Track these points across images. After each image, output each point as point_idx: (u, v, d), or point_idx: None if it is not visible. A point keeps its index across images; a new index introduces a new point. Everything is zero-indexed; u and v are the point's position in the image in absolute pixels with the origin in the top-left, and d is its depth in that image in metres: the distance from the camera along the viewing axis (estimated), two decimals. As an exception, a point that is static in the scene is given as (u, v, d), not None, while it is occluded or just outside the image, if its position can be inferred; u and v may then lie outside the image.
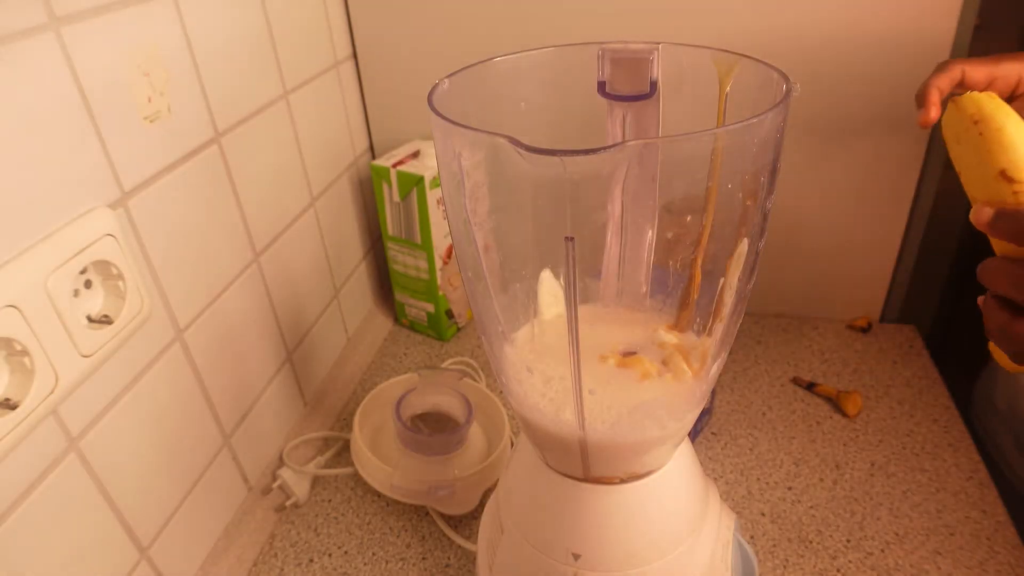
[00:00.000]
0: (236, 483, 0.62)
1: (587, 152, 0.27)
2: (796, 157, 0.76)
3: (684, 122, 0.39)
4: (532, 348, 0.42)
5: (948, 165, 0.75)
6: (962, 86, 0.55)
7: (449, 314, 0.86)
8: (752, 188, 0.35)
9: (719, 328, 0.38)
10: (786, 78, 0.33)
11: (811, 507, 0.62)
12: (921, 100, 0.53)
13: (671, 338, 0.41)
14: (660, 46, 0.37)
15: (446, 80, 0.36)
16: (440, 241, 0.80)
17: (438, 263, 0.81)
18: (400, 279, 0.86)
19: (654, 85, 0.37)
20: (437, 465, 0.62)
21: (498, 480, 0.48)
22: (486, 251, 0.37)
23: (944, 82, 0.53)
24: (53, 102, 0.41)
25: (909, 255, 0.81)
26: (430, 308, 0.85)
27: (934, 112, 0.52)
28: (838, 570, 0.57)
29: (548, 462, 0.40)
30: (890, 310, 0.85)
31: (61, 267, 0.40)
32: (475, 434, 0.68)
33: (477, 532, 0.55)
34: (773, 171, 0.34)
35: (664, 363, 0.39)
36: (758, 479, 0.65)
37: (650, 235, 0.40)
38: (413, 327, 0.89)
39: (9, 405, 0.37)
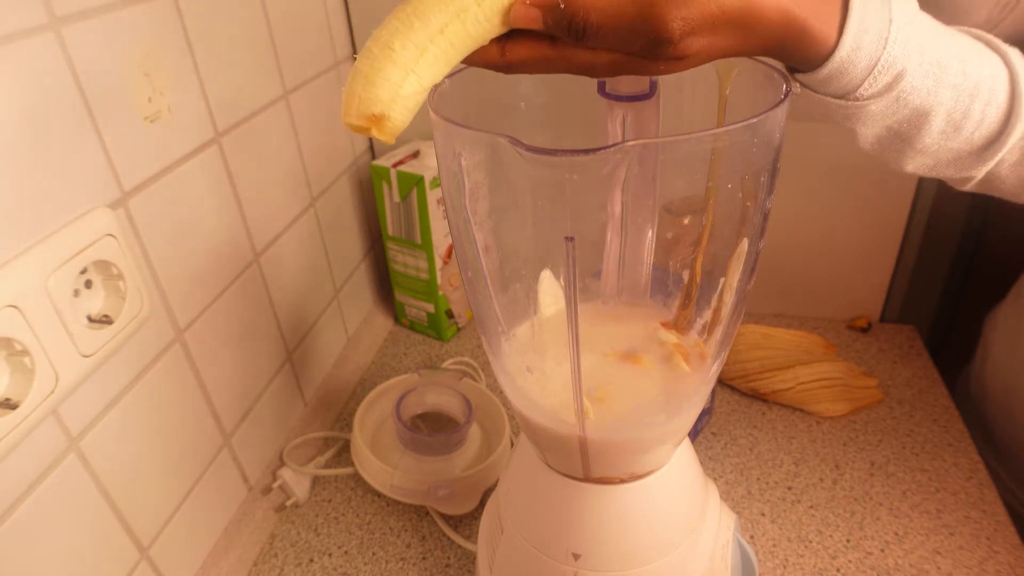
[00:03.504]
0: (236, 483, 0.62)
1: (587, 152, 0.28)
2: (796, 157, 0.76)
3: (684, 122, 0.39)
4: (532, 348, 0.42)
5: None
6: None
7: (449, 314, 0.86)
8: (752, 188, 0.35)
9: (719, 328, 0.38)
10: (786, 78, 0.33)
11: (811, 507, 0.62)
12: None
13: (671, 337, 0.41)
14: (660, 46, 0.37)
15: (446, 80, 0.36)
16: (440, 241, 0.80)
17: (438, 263, 0.81)
18: (400, 279, 0.86)
19: (654, 85, 0.37)
20: (437, 465, 0.62)
21: (498, 480, 0.48)
22: (486, 251, 0.37)
23: None
24: (53, 102, 0.41)
25: (909, 255, 0.81)
26: (430, 308, 0.85)
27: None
28: (838, 570, 0.57)
29: (548, 462, 0.40)
30: (890, 310, 0.85)
31: (61, 267, 0.40)
32: (475, 434, 0.68)
33: (477, 532, 0.55)
34: (773, 171, 0.34)
35: (664, 363, 0.39)
36: (758, 479, 0.65)
37: (650, 235, 0.40)
38: (413, 327, 0.89)
39: (9, 405, 0.37)
